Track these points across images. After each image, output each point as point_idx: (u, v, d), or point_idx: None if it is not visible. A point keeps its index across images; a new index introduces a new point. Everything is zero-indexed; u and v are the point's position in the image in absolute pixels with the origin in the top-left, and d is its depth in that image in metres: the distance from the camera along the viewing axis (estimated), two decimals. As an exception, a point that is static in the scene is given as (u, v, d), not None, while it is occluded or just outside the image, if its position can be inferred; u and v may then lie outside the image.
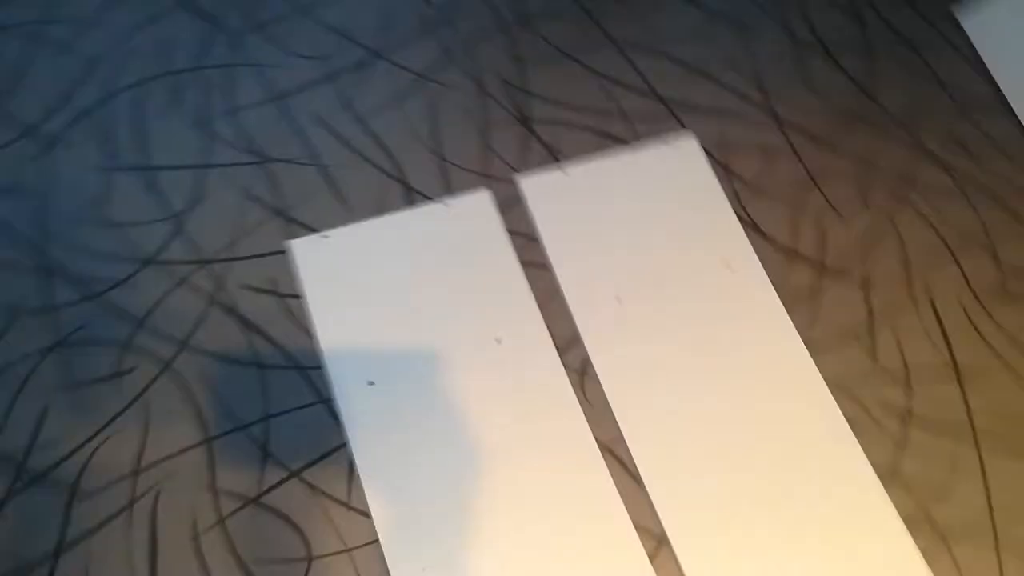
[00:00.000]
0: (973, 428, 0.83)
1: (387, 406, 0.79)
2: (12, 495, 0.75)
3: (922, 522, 0.79)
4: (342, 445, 0.78)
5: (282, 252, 0.87)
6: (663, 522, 0.76)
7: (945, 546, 0.78)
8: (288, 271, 0.86)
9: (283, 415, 0.79)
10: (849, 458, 0.80)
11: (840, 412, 0.81)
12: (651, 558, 0.74)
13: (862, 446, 0.80)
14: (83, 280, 0.84)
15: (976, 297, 0.90)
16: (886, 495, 0.78)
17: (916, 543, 0.77)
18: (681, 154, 0.95)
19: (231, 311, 0.84)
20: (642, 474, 0.77)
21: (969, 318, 0.89)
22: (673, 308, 0.86)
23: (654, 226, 0.90)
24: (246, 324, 0.83)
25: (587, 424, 0.79)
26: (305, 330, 0.83)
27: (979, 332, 0.88)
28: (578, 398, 0.81)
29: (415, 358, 0.82)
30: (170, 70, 0.96)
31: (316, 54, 1.00)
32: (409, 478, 0.76)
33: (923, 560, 0.76)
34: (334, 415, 0.79)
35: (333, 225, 0.89)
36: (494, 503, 0.76)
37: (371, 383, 0.80)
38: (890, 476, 0.80)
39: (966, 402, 0.84)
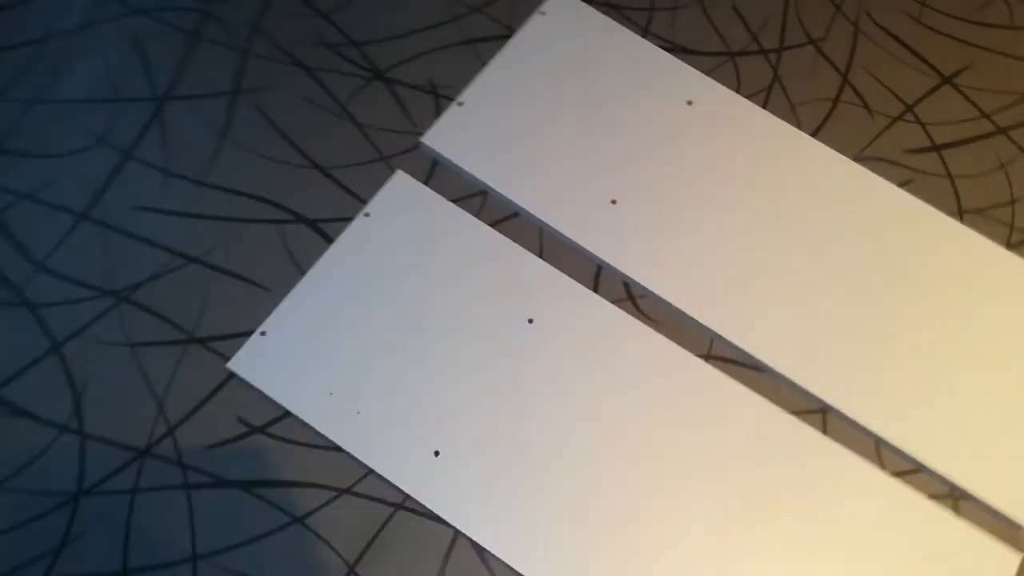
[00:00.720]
0: (994, 123, 0.80)
1: (467, 464, 0.64)
2: None
3: (1013, 234, 0.75)
4: (455, 535, 0.64)
5: (229, 377, 0.68)
6: (811, 391, 0.67)
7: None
8: (249, 397, 0.67)
9: (370, 549, 0.64)
10: (926, 222, 0.73)
11: (888, 183, 0.75)
12: (824, 431, 0.68)
13: (927, 201, 0.75)
14: None
15: (912, -1, 0.86)
16: (972, 231, 0.73)
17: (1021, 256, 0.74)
18: (563, 13, 0.81)
19: (221, 483, 0.65)
20: (763, 360, 0.68)
21: (920, 22, 0.84)
22: (671, 173, 0.74)
23: (589, 101, 0.77)
24: (248, 487, 0.65)
25: (674, 344, 0.69)
26: (321, 447, 0.66)
27: (938, 31, 0.84)
28: (646, 324, 0.69)
29: (460, 400, 0.66)
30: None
31: (85, 141, 0.77)
32: (541, 521, 0.63)
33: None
34: (424, 513, 0.64)
35: (260, 317, 0.69)
36: (640, 485, 0.64)
37: (436, 453, 0.65)
38: (962, 214, 0.75)
39: (973, 102, 0.81)
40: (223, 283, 0.71)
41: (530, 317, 0.69)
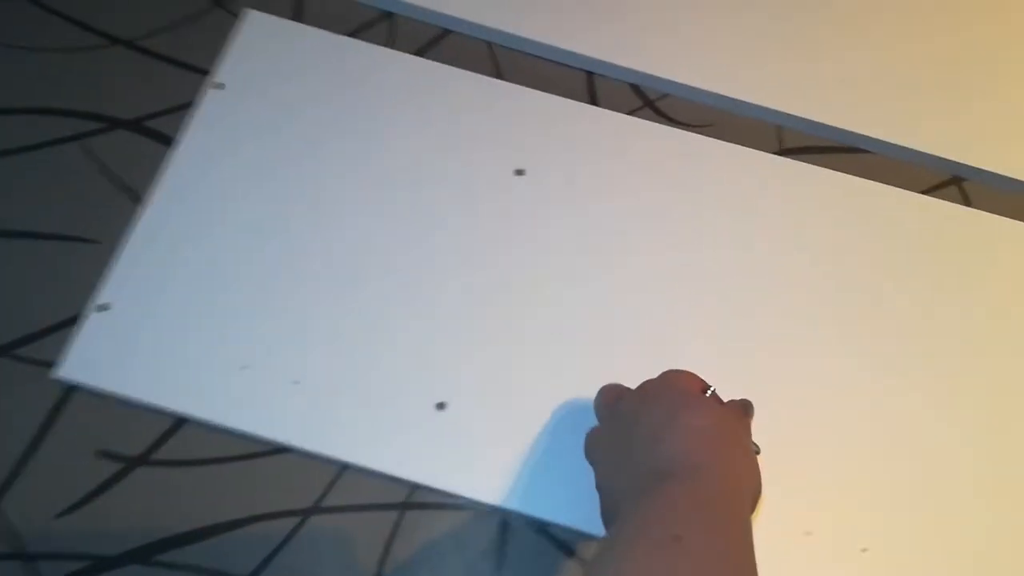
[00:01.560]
0: None
1: (490, 411, 0.40)
2: None
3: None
4: (502, 522, 0.42)
5: (68, 394, 0.41)
6: (939, 155, 0.46)
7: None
8: (109, 414, 0.40)
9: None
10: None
11: None
12: (967, 203, 0.48)
13: None
14: None
15: None
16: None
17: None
18: None
19: (103, 563, 0.38)
20: (861, 132, 0.46)
21: None
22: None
23: None
24: (148, 555, 0.39)
25: (732, 146, 0.45)
26: (252, 456, 0.39)
27: None
28: (684, 131, 0.46)
29: (451, 322, 0.41)
30: None
31: None
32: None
33: None
34: (447, 504, 0.39)
35: (92, 285, 0.42)
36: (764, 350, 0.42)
37: (441, 406, 0.41)
38: None
39: None
40: (17, 252, 0.43)
41: (518, 167, 0.46)
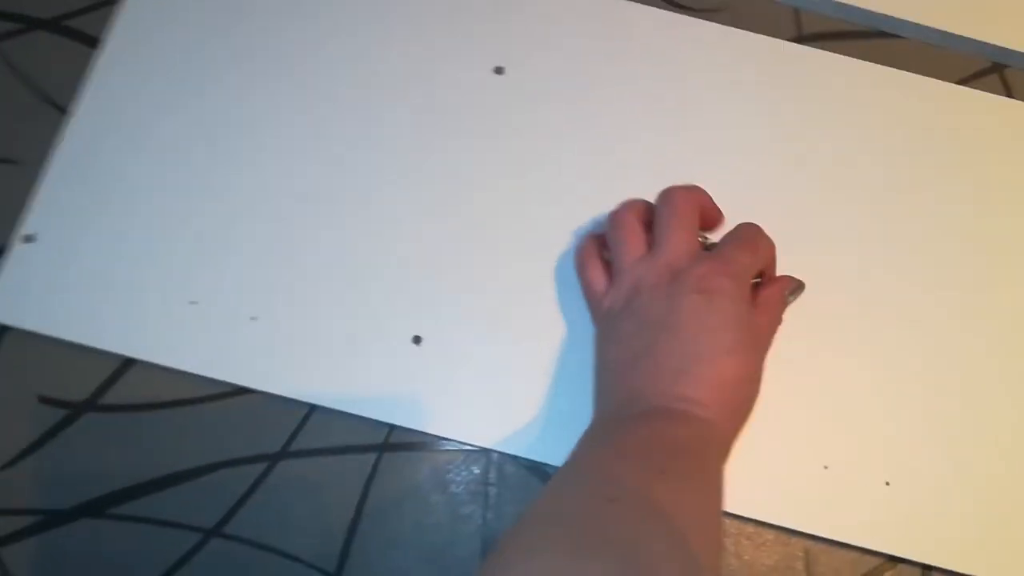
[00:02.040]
0: None
1: (476, 344, 0.36)
2: None
3: None
4: (489, 458, 0.39)
5: (-5, 340, 0.39)
6: (980, 39, 0.40)
7: None
8: (47, 357, 0.36)
9: (354, 541, 0.37)
10: None
11: None
12: (1008, 93, 0.43)
13: None
14: None
15: None
16: None
17: None
18: None
19: (54, 517, 0.35)
20: (894, 15, 0.40)
21: None
22: None
23: None
24: (102, 508, 0.36)
25: (744, 33, 0.40)
26: (209, 398, 0.35)
27: None
28: (690, 17, 0.40)
29: (424, 247, 0.37)
30: None
31: None
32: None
33: None
34: (425, 444, 0.36)
35: (14, 213, 0.38)
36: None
37: (417, 340, 0.37)
38: None
39: None
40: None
41: (497, 65, 0.40)
